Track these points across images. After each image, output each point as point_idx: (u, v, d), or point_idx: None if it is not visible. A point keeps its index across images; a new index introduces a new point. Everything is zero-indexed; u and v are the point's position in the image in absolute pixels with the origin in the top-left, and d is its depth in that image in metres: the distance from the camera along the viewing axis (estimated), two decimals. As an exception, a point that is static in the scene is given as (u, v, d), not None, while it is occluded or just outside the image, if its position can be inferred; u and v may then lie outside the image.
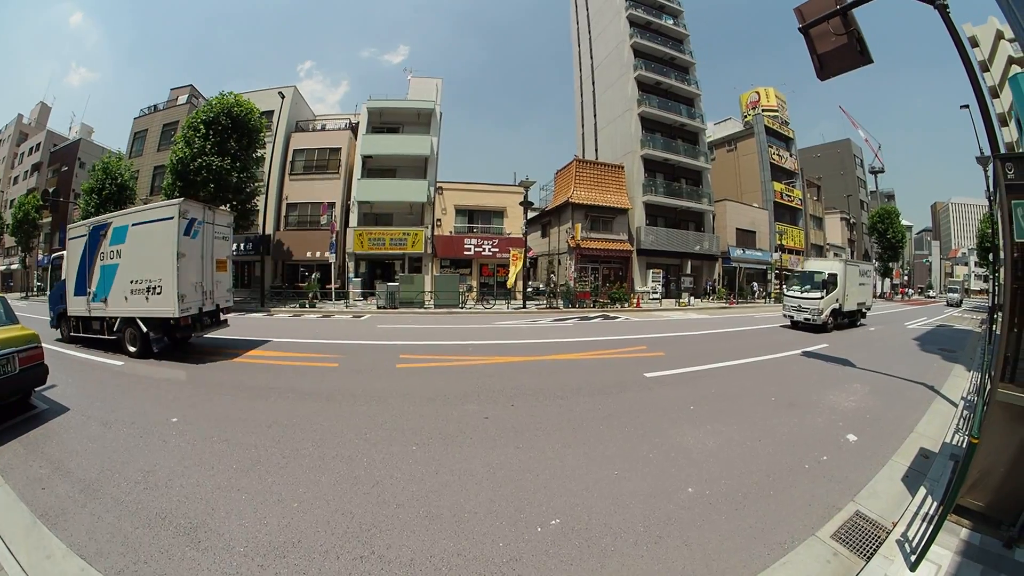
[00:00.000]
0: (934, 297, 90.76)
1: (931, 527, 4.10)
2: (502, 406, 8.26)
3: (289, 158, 38.25)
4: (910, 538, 4.45)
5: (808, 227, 60.69)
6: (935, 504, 5.03)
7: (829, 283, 21.47)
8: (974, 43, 52.05)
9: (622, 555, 4.10)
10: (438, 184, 37.57)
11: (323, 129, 41.25)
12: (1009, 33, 41.19)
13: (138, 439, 6.77)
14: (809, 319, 20.90)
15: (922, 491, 5.41)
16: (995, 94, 47.69)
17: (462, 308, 28.63)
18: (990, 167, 21.17)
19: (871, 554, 4.28)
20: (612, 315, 27.65)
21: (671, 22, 48.39)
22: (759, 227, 51.04)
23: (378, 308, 28.01)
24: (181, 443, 6.56)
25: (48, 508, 4.95)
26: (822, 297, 20.91)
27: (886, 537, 4.52)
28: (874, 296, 63.42)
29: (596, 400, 8.76)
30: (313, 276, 32.11)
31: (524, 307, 29.71)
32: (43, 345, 8.18)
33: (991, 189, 21.79)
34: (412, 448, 6.31)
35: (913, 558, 4.09)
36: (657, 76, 44.66)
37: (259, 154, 31.60)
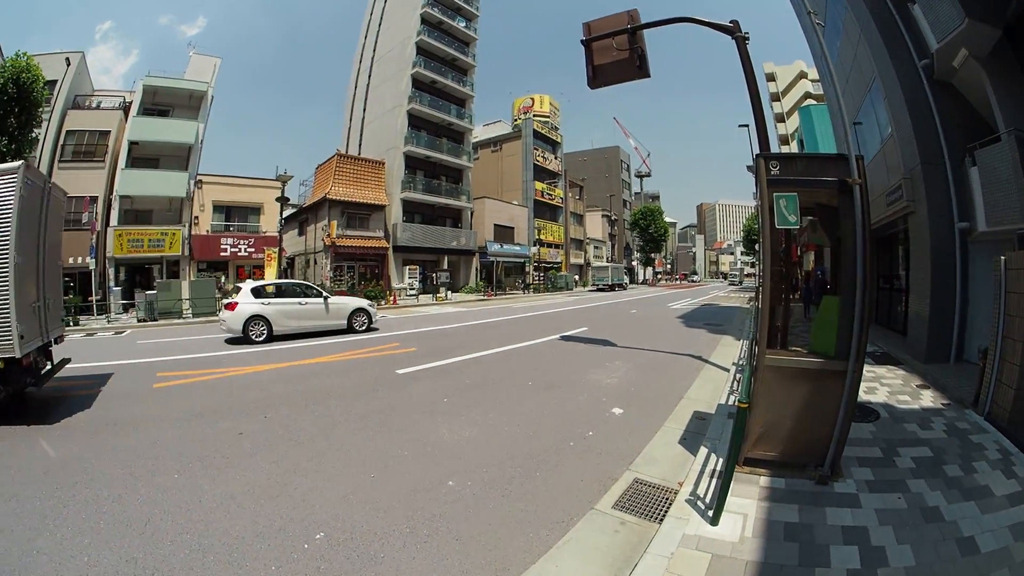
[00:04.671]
0: (698, 281, 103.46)
1: (721, 482, 4.23)
2: (255, 419, 7.87)
3: (61, 141, 31.47)
4: (701, 495, 4.56)
5: (568, 223, 65.48)
6: (720, 461, 5.19)
7: None
8: (771, 78, 60.83)
9: (394, 560, 3.89)
10: (198, 177, 33.97)
11: (98, 107, 34.50)
12: (814, 74, 48.25)
13: None
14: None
15: (704, 451, 5.60)
16: (781, 120, 56.09)
17: (219, 315, 26.20)
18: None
19: (662, 516, 4.29)
20: None
21: (463, 24, 49.11)
22: (518, 223, 53.69)
23: (139, 321, 24.92)
24: None
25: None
26: None
27: (674, 498, 4.58)
28: (635, 283, 68.90)
29: (348, 403, 8.58)
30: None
31: None
32: None
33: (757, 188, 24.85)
34: (175, 477, 5.79)
35: (711, 513, 4.14)
36: (435, 75, 44.97)
37: (34, 134, 24.97)
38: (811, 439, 4.90)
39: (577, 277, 65.32)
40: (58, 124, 31.31)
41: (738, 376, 8.98)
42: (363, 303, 18.71)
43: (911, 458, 5.43)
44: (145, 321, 24.61)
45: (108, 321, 25.73)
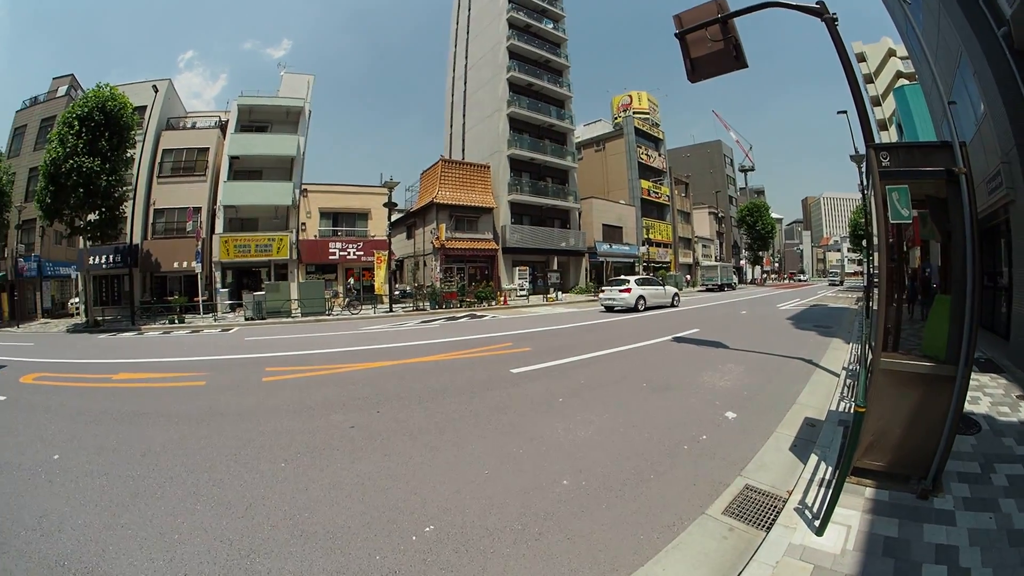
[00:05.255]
0: (805, 280, 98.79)
1: (830, 491, 4.10)
2: (367, 413, 7.99)
3: (158, 159, 35.05)
4: (809, 504, 4.45)
5: (676, 221, 63.99)
6: (829, 469, 5.08)
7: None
8: (861, 58, 57.08)
9: (503, 556, 3.90)
10: (303, 186, 36.20)
11: (193, 127, 38.30)
12: (902, 51, 45.07)
13: (26, 481, 6.15)
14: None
15: (814, 458, 5.45)
16: (877, 103, 52.47)
17: (329, 315, 27.99)
18: (864, 165, 22.74)
19: (770, 524, 4.24)
20: (479, 314, 27.93)
21: (551, 26, 49.37)
22: (626, 222, 53.29)
23: (246, 320, 26.67)
24: (65, 481, 5.97)
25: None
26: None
27: (783, 506, 4.51)
28: (744, 283, 66.93)
29: (462, 400, 8.61)
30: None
31: (391, 311, 29.33)
32: None
33: (864, 181, 23.40)
34: (281, 465, 5.98)
35: (817, 523, 4.07)
36: (530, 78, 45.34)
37: (129, 154, 28.51)
38: (917, 449, 4.68)
39: (688, 276, 64.03)
40: (153, 144, 34.46)
41: (848, 381, 8.67)
42: (676, 290, 31.01)
43: (1005, 475, 5.15)
44: (253, 320, 26.31)
45: (215, 319, 27.69)
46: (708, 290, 53.73)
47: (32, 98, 40.18)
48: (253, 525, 4.57)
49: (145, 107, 33.40)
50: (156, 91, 32.96)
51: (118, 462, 6.43)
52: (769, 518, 4.37)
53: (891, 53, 52.06)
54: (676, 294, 29.22)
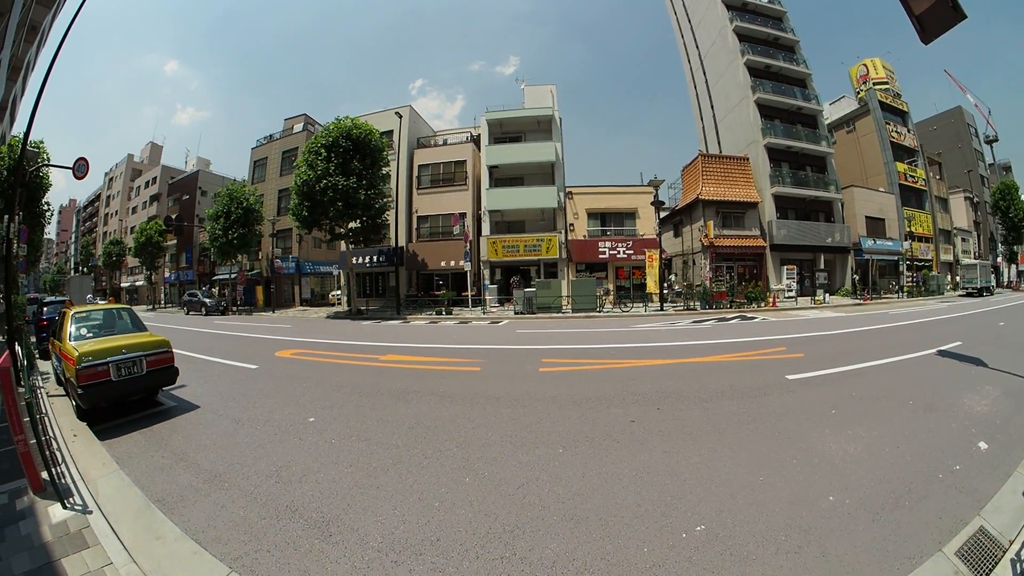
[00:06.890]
0: None
1: None
2: (647, 410, 8.38)
3: (415, 173, 40.01)
4: (1023, 558, 4.22)
5: (934, 210, 55.68)
6: None
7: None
8: None
9: (763, 564, 4.11)
10: (567, 189, 38.14)
11: (445, 144, 42.76)
12: None
13: (272, 436, 7.19)
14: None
15: None
16: None
17: (600, 312, 28.91)
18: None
19: (987, 573, 4.15)
20: (749, 315, 27.47)
21: (766, 0, 46.77)
22: (887, 213, 48.15)
23: (515, 314, 28.92)
24: (318, 441, 6.86)
25: (166, 495, 5.30)
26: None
27: (1002, 556, 4.35)
28: (1000, 286, 56.08)
29: (740, 403, 8.79)
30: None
31: (661, 309, 29.74)
32: (175, 350, 9.08)
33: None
34: (559, 451, 6.43)
35: None
36: (765, 59, 43.51)
37: (384, 171, 33.30)
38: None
39: (958, 278, 54.80)
40: (407, 161, 39.38)
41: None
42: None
43: None
44: (522, 314, 28.50)
45: (483, 312, 30.41)
46: (968, 294, 45.20)
47: (267, 136, 50.44)
48: (523, 504, 4.95)
49: (392, 131, 38.55)
50: (400, 117, 37.72)
51: (381, 431, 7.22)
52: (988, 567, 4.28)
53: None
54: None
